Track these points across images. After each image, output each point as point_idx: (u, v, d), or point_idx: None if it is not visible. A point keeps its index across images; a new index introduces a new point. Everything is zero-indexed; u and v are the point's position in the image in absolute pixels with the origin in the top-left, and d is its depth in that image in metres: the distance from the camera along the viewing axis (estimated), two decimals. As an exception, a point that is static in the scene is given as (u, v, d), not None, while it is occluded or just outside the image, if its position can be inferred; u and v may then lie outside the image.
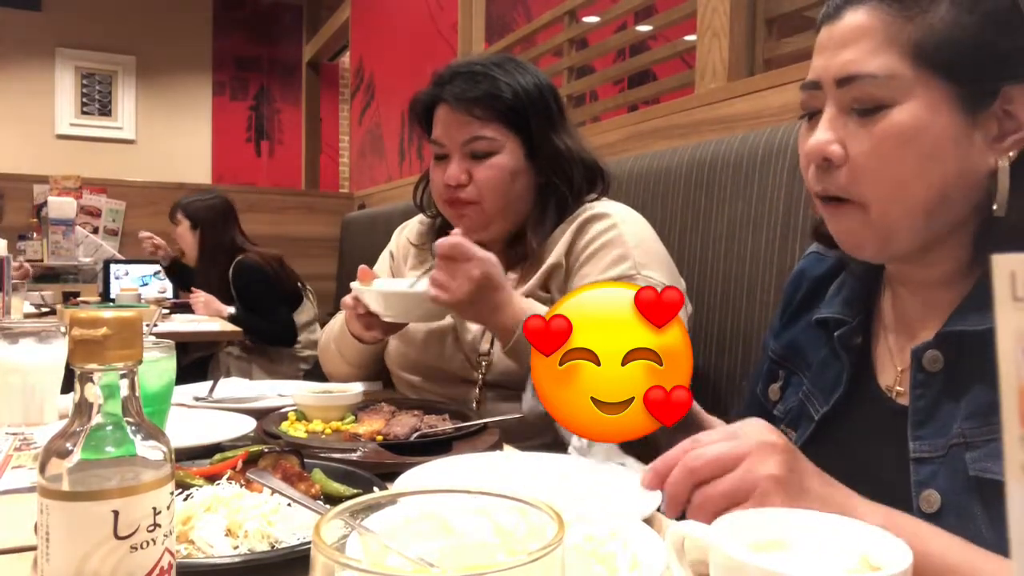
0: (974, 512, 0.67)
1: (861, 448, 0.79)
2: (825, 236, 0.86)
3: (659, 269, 1.23)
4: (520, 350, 1.12)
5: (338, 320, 1.45)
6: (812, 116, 0.77)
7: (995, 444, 0.67)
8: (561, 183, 1.32)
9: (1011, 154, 0.70)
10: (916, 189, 0.70)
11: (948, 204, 0.71)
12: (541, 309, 1.14)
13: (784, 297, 0.96)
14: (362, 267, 1.27)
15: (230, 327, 2.86)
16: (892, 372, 0.80)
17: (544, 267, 1.28)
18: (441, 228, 1.45)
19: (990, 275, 0.69)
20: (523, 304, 1.14)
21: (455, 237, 1.10)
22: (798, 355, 0.90)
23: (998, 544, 0.59)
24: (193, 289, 3.20)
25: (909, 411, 0.74)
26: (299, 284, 3.38)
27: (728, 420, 1.01)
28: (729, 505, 0.59)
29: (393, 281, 1.34)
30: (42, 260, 3.35)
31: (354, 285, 1.25)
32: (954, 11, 0.69)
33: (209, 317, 3.04)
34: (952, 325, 0.72)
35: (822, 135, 0.73)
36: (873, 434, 0.78)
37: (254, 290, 3.16)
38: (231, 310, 3.09)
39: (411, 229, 1.55)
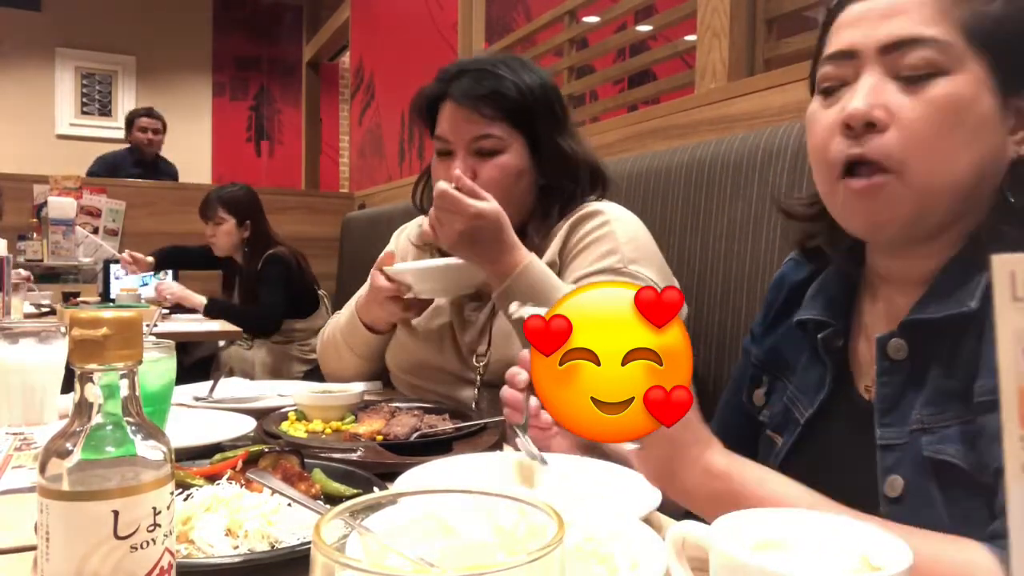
0: (934, 496, 0.68)
1: (847, 449, 0.79)
2: (811, 251, 0.86)
3: (649, 266, 1.23)
4: (511, 297, 1.13)
5: (344, 314, 1.45)
6: (831, 92, 0.74)
7: (949, 430, 0.68)
8: (567, 185, 1.32)
9: (1021, 150, 0.70)
10: (961, 163, 0.69)
11: (979, 186, 0.70)
12: (540, 265, 1.16)
13: (765, 302, 0.96)
14: (388, 251, 1.33)
15: (230, 327, 2.86)
16: (871, 373, 0.80)
17: None
18: None
19: (953, 268, 0.69)
20: (522, 256, 1.15)
21: (447, 186, 1.14)
22: (781, 360, 0.90)
23: (955, 529, 0.60)
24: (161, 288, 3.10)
25: (875, 399, 0.74)
26: (316, 288, 3.35)
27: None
28: None
29: (415, 262, 1.40)
30: (42, 260, 3.35)
31: (388, 269, 1.30)
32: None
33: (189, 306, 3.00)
34: (916, 314, 0.72)
35: (863, 100, 0.69)
36: (853, 435, 0.79)
37: (267, 283, 3.12)
38: (202, 300, 3.03)
39: (411, 231, 1.55)
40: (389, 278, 1.31)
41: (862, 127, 0.69)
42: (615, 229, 1.25)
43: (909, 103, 0.68)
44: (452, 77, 1.32)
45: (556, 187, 1.33)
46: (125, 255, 3.28)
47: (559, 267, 1.28)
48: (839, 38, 0.74)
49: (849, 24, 0.73)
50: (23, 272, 3.00)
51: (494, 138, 1.29)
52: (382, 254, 1.35)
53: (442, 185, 1.13)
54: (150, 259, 3.33)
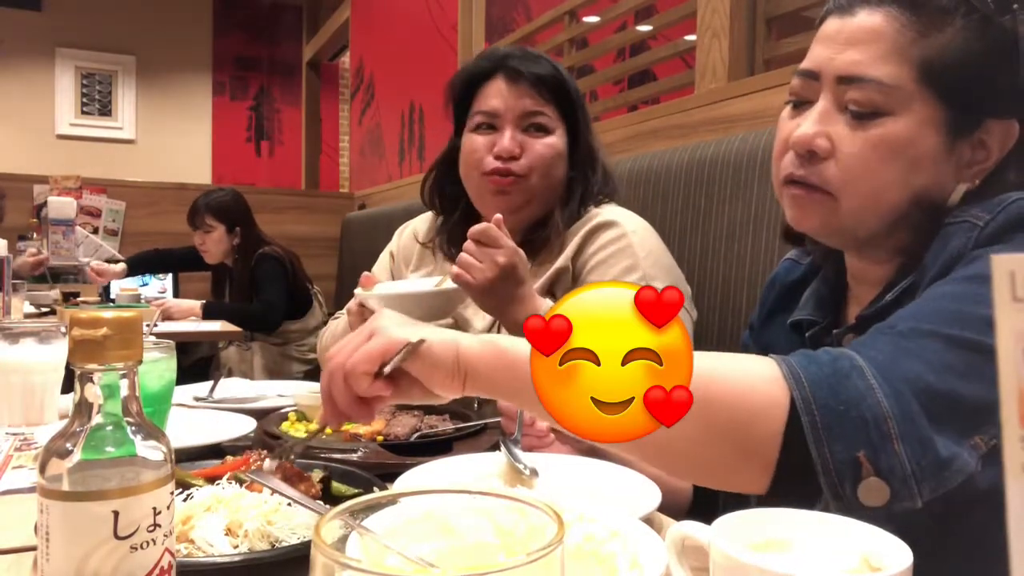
0: None
1: None
2: (796, 237, 0.89)
3: (667, 280, 1.24)
4: None
5: (341, 323, 1.44)
6: (799, 104, 0.78)
7: None
8: (592, 179, 1.34)
9: (976, 181, 0.73)
10: (891, 195, 0.73)
11: (913, 213, 0.74)
12: None
13: (759, 301, 0.99)
14: (365, 274, 1.27)
15: (230, 327, 2.85)
16: None
17: (551, 271, 1.28)
18: (447, 226, 1.44)
19: (901, 272, 0.72)
20: (541, 304, 1.14)
21: (487, 224, 1.11)
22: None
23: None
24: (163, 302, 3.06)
25: None
26: (309, 286, 3.35)
27: None
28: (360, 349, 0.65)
29: (395, 284, 1.34)
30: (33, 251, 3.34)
31: (358, 292, 1.24)
32: (964, 35, 0.70)
33: (185, 318, 2.96)
34: (869, 308, 0.76)
35: (811, 127, 0.74)
36: None
37: (264, 281, 3.10)
38: (196, 305, 2.98)
39: (416, 228, 1.54)
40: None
41: (806, 152, 0.74)
42: (632, 242, 1.25)
43: (850, 137, 0.72)
44: (503, 57, 1.34)
45: (581, 181, 1.34)
46: (90, 268, 3.21)
47: (572, 274, 1.28)
48: (811, 53, 0.77)
49: (821, 40, 0.76)
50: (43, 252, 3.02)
51: (547, 116, 1.31)
52: (363, 274, 1.28)
53: (478, 225, 1.11)
54: (119, 267, 3.29)
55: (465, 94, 1.37)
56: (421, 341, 0.63)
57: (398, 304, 1.20)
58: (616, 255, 1.24)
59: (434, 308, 1.17)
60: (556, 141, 1.31)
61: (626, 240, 1.25)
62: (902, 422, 0.55)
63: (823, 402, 0.56)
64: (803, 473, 0.57)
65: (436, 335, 0.64)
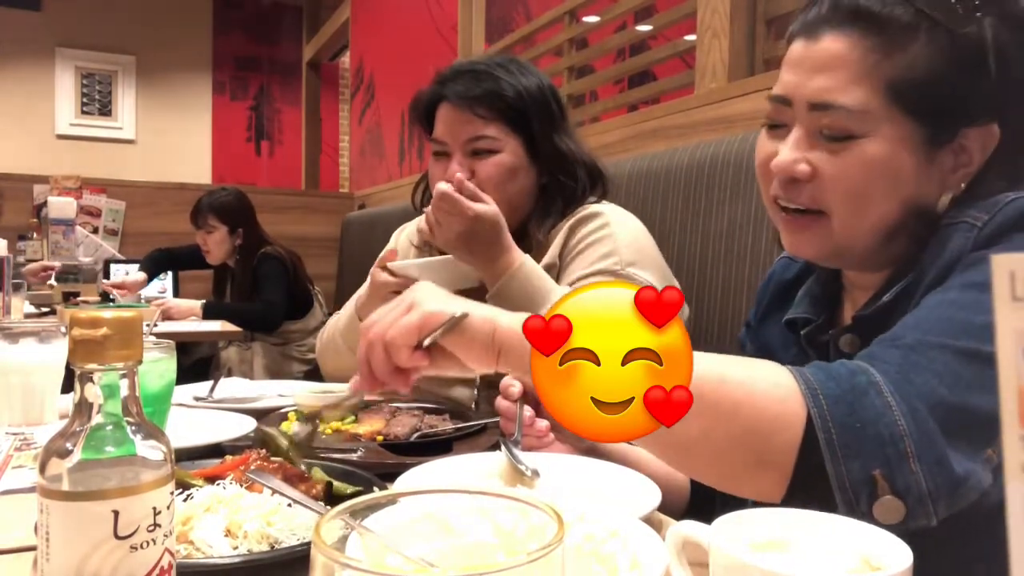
0: None
1: None
2: None
3: (647, 269, 1.23)
4: (504, 297, 1.15)
5: (344, 315, 1.45)
6: (774, 127, 0.78)
7: None
8: (566, 181, 1.33)
9: (962, 185, 0.74)
10: (879, 207, 0.73)
11: (904, 223, 0.74)
12: (532, 266, 1.17)
13: (756, 299, 0.99)
14: (390, 248, 1.31)
15: (231, 327, 2.85)
16: None
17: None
18: None
19: (895, 276, 0.72)
20: (515, 257, 1.17)
21: (448, 187, 1.15)
22: (771, 356, 0.92)
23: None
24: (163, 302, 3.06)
25: None
26: (310, 287, 3.35)
27: None
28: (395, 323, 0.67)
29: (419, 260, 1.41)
30: (42, 260, 3.34)
31: (392, 264, 1.30)
32: (929, 51, 0.70)
33: (186, 318, 2.95)
34: (866, 309, 0.76)
35: (789, 154, 0.74)
36: None
37: (266, 281, 3.10)
38: (196, 305, 2.97)
39: (411, 230, 1.55)
40: (393, 274, 1.30)
41: (788, 179, 0.75)
42: (615, 231, 1.25)
43: (830, 161, 0.73)
44: (447, 79, 1.33)
45: (556, 185, 1.33)
46: (110, 285, 3.18)
47: (558, 268, 1.28)
48: (781, 78, 0.77)
49: (790, 65, 0.76)
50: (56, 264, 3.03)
51: (489, 138, 1.30)
52: (383, 252, 1.35)
53: (442, 187, 1.14)
54: (140, 277, 3.28)
55: (427, 118, 1.38)
56: (464, 315, 0.64)
57: (435, 269, 1.27)
58: (596, 242, 1.25)
59: (467, 272, 1.24)
60: (504, 158, 1.30)
61: (607, 229, 1.25)
62: (919, 441, 0.56)
63: (840, 420, 0.57)
64: (819, 485, 0.57)
65: (476, 310, 0.65)
